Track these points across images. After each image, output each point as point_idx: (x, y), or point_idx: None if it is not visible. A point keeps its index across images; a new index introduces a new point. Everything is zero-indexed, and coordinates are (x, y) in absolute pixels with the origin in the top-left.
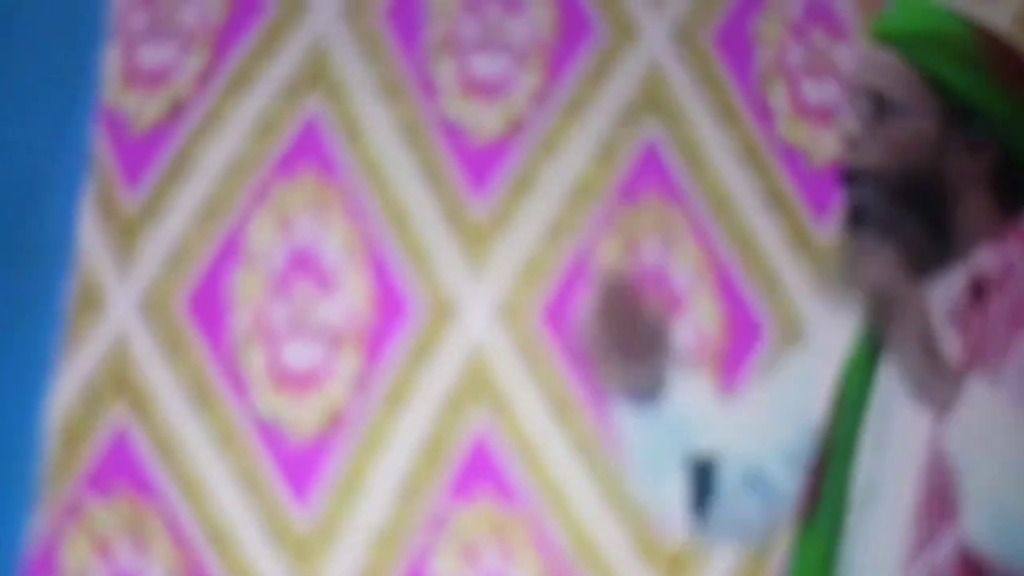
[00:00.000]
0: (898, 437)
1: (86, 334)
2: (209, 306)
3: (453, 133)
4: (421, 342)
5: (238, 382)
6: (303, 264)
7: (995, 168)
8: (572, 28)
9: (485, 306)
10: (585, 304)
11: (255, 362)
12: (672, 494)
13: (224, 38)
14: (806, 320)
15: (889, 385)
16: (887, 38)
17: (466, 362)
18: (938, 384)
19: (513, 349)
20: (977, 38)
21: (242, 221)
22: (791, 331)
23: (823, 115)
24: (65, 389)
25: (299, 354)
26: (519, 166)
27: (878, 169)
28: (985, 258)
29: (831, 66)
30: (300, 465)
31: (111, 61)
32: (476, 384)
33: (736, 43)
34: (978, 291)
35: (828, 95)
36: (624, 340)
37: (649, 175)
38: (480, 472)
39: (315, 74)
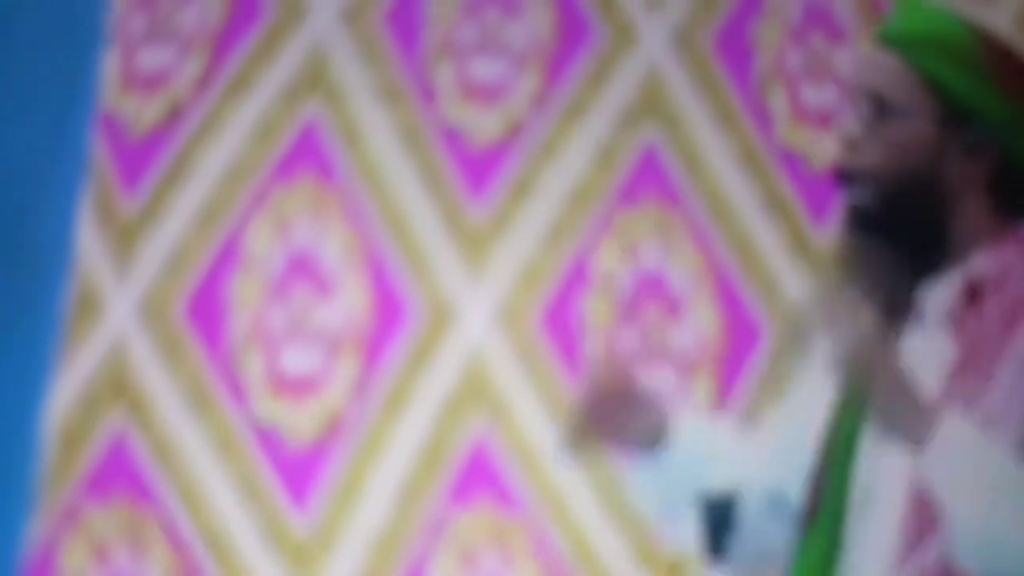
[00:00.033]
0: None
1: (84, 338)
2: (207, 310)
3: (452, 137)
4: (420, 346)
5: (236, 386)
6: (302, 268)
7: (994, 171)
8: (571, 32)
9: (484, 310)
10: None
11: (253, 366)
12: (689, 534)
13: (223, 42)
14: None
15: None
16: (888, 40)
17: (465, 366)
18: (914, 424)
19: (512, 353)
20: (978, 41)
21: (241, 225)
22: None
23: (822, 119)
24: (63, 393)
25: (298, 358)
26: (518, 170)
27: (877, 170)
28: (982, 260)
29: (830, 70)
30: (299, 470)
31: (110, 64)
32: (475, 388)
33: (735, 47)
34: (974, 293)
35: (827, 99)
36: (617, 419)
37: (648, 179)
38: (479, 477)
39: (314, 78)
